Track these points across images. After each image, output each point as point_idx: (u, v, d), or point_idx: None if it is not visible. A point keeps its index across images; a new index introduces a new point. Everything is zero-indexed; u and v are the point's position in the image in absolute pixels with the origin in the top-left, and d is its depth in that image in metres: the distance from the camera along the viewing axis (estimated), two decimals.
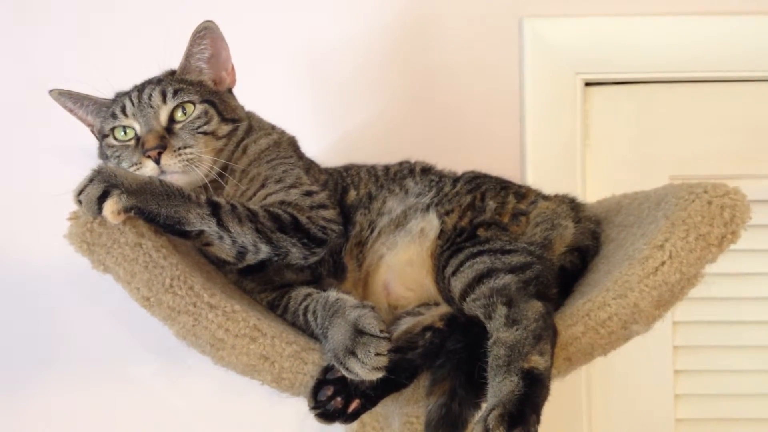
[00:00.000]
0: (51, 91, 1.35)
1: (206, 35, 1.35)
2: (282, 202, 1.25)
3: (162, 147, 1.24)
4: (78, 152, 1.75)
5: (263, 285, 1.26)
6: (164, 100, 1.30)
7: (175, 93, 1.31)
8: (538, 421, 0.96)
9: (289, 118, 1.49)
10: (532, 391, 0.97)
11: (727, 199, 1.08)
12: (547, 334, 1.04)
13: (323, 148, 1.76)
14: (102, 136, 1.34)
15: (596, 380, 1.85)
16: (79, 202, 1.06)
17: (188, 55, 1.36)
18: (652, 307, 1.08)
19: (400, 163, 1.49)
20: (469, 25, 1.86)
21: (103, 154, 1.34)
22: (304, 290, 1.21)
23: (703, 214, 1.08)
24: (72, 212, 1.08)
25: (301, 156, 1.45)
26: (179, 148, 1.25)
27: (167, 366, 1.85)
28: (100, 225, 1.06)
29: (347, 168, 1.49)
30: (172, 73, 1.38)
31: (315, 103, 1.86)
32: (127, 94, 1.34)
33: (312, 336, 1.15)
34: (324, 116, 1.86)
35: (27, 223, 1.83)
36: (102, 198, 1.05)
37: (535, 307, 1.06)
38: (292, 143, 1.46)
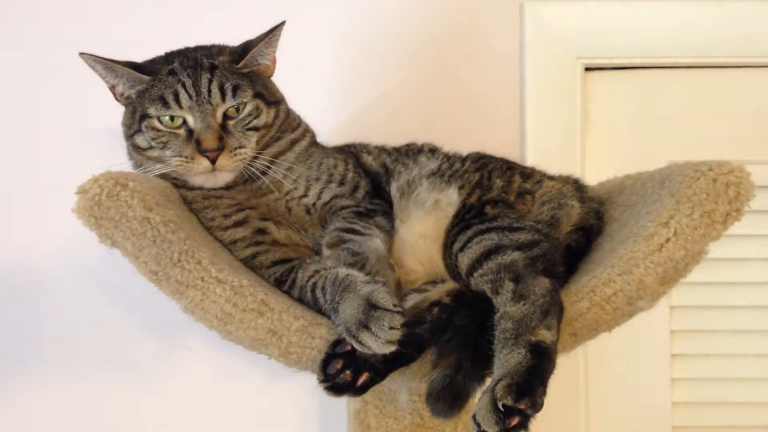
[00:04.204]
0: (82, 54, 1.25)
1: (279, 36, 1.31)
2: (334, 197, 1.34)
3: (221, 148, 1.22)
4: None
5: (271, 262, 1.27)
6: (223, 99, 1.25)
7: (234, 91, 1.26)
8: (544, 393, 0.97)
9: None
10: (540, 364, 0.99)
11: (732, 177, 1.10)
12: (553, 310, 1.05)
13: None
14: (141, 116, 1.27)
15: (593, 364, 1.86)
16: None
17: (256, 54, 1.31)
18: (657, 283, 1.09)
19: (408, 144, 1.51)
20: (470, 9, 1.85)
21: (131, 127, 1.29)
22: (311, 267, 1.22)
23: (708, 192, 1.09)
24: (79, 186, 1.08)
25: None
26: (235, 149, 1.24)
27: (166, 349, 1.85)
28: (108, 198, 1.06)
29: (349, 145, 1.52)
30: (220, 50, 1.32)
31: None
32: (176, 76, 1.25)
33: (319, 312, 1.16)
34: (319, 105, 1.85)
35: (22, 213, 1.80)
36: None
37: (543, 283, 1.08)
38: (314, 138, 1.46)
